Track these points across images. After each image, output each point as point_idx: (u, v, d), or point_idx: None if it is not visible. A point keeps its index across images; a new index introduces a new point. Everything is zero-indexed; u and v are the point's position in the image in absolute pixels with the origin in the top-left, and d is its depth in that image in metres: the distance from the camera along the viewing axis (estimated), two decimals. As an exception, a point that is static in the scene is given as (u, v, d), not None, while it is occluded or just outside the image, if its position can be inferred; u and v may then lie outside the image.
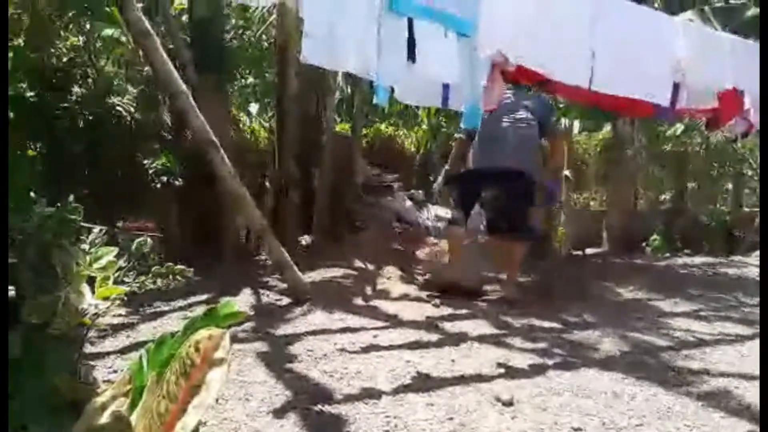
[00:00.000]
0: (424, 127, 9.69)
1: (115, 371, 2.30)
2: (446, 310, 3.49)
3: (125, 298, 1.69)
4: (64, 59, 4.30)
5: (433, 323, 3.16)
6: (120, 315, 2.98)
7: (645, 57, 3.21)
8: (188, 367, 0.99)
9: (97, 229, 1.66)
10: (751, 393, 2.27)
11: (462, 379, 2.31)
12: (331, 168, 5.93)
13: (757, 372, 2.49)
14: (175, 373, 0.99)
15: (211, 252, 4.66)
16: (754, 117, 3.70)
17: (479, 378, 2.33)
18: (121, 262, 1.67)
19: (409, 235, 5.79)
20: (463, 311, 3.52)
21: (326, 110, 6.11)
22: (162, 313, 3.21)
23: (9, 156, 1.48)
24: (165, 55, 3.51)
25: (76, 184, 3.81)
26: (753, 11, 5.05)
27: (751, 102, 3.61)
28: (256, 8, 6.80)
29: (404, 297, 3.77)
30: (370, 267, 4.63)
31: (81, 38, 4.83)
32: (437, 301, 3.68)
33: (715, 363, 2.66)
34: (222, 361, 1.01)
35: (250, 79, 9.18)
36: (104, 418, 0.96)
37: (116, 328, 2.84)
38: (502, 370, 2.44)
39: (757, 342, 3.05)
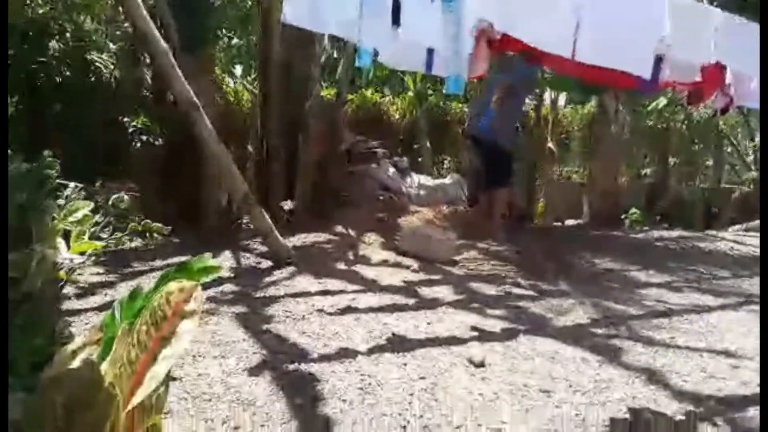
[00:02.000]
0: (410, 94, 9.56)
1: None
2: (423, 276, 3.54)
3: (101, 256, 1.69)
4: (40, 11, 4.15)
5: (410, 288, 3.22)
6: (99, 273, 2.99)
7: (629, 29, 3.19)
8: (159, 319, 1.01)
9: (72, 184, 1.64)
10: (714, 362, 2.36)
11: (436, 342, 2.37)
12: (315, 134, 5.86)
13: (723, 344, 2.59)
14: (146, 323, 1.01)
15: (193, 215, 4.62)
16: (734, 92, 3.73)
17: (453, 341, 2.39)
18: (98, 218, 1.67)
19: (392, 204, 5.80)
20: (440, 277, 3.57)
21: (311, 75, 5.99)
22: (141, 273, 3.21)
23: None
24: (146, 13, 3.40)
25: (54, 140, 3.74)
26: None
27: (731, 77, 3.63)
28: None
29: (384, 263, 3.81)
30: (352, 233, 4.65)
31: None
32: (415, 266, 3.73)
33: (683, 332, 2.75)
34: (193, 313, 1.03)
35: (235, 40, 8.96)
36: (75, 363, 0.98)
37: (95, 287, 2.84)
38: (475, 334, 2.50)
39: (724, 313, 3.16)
